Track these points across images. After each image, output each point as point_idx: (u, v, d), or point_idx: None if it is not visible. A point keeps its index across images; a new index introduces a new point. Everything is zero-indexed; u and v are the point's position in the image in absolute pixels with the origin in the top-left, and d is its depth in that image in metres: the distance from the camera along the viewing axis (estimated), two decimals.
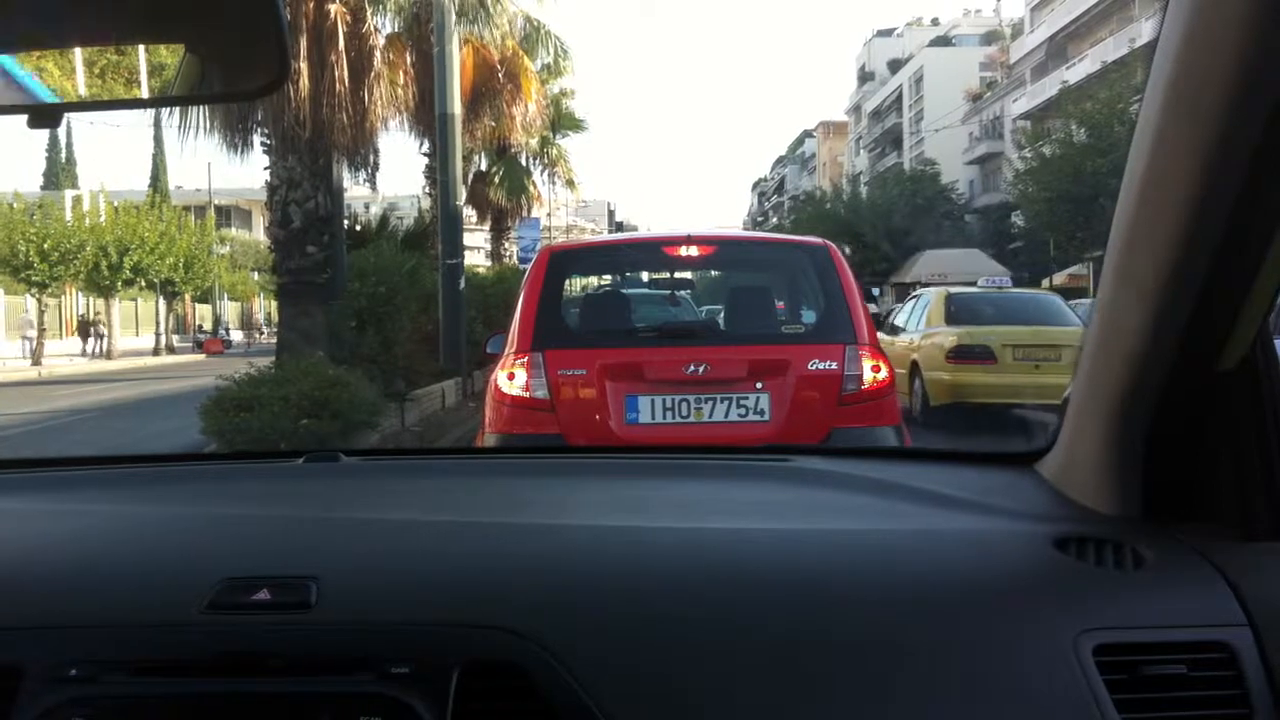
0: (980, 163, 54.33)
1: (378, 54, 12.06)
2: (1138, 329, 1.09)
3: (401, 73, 13.34)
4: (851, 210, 43.81)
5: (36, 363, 28.24)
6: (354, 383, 8.77)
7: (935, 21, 72.88)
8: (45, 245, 28.69)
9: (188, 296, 39.55)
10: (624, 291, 6.61)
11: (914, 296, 13.20)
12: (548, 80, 23.79)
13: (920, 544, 1.21)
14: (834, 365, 4.35)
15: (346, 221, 14.69)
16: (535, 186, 26.52)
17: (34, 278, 29.02)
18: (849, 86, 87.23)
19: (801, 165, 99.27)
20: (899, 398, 5.17)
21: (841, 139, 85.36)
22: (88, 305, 35.15)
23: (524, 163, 25.38)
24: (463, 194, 16.54)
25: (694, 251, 4.90)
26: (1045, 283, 34.90)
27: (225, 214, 53.47)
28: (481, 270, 23.26)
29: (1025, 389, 9.83)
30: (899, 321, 12.56)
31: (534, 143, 24.24)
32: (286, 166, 11.83)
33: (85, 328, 34.43)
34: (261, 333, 45.46)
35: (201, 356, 33.30)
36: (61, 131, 54.23)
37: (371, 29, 12.18)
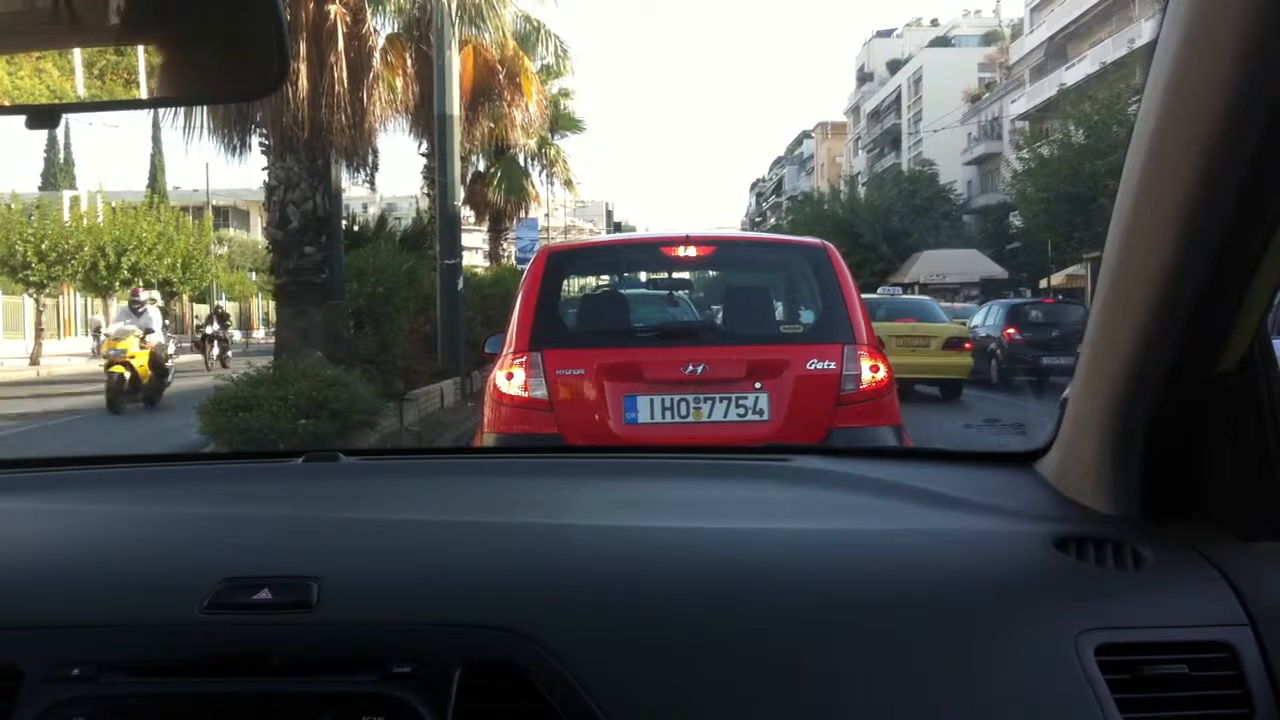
0: (979, 163, 54.29)
1: (377, 55, 12.07)
2: (1137, 329, 1.09)
3: (401, 74, 13.36)
4: (850, 211, 43.78)
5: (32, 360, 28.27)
6: (352, 383, 8.79)
7: (935, 22, 72.84)
8: (43, 246, 28.58)
9: (185, 296, 39.51)
10: (622, 291, 6.61)
11: None
12: (547, 80, 23.80)
13: (920, 544, 1.21)
14: (832, 365, 4.34)
15: (345, 222, 14.69)
16: (533, 187, 26.49)
17: (31, 278, 28.95)
18: (848, 87, 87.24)
19: (800, 166, 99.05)
20: None
21: (840, 139, 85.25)
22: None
23: (522, 163, 25.36)
24: (461, 194, 16.56)
25: (692, 252, 4.90)
26: (1043, 283, 34.91)
27: (223, 214, 53.33)
28: (480, 270, 23.28)
29: (904, 366, 11.73)
30: None
31: (532, 143, 24.23)
32: (285, 167, 11.83)
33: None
34: (255, 330, 45.49)
35: (200, 356, 33.27)
36: (60, 132, 54.08)
37: (371, 30, 12.19)
